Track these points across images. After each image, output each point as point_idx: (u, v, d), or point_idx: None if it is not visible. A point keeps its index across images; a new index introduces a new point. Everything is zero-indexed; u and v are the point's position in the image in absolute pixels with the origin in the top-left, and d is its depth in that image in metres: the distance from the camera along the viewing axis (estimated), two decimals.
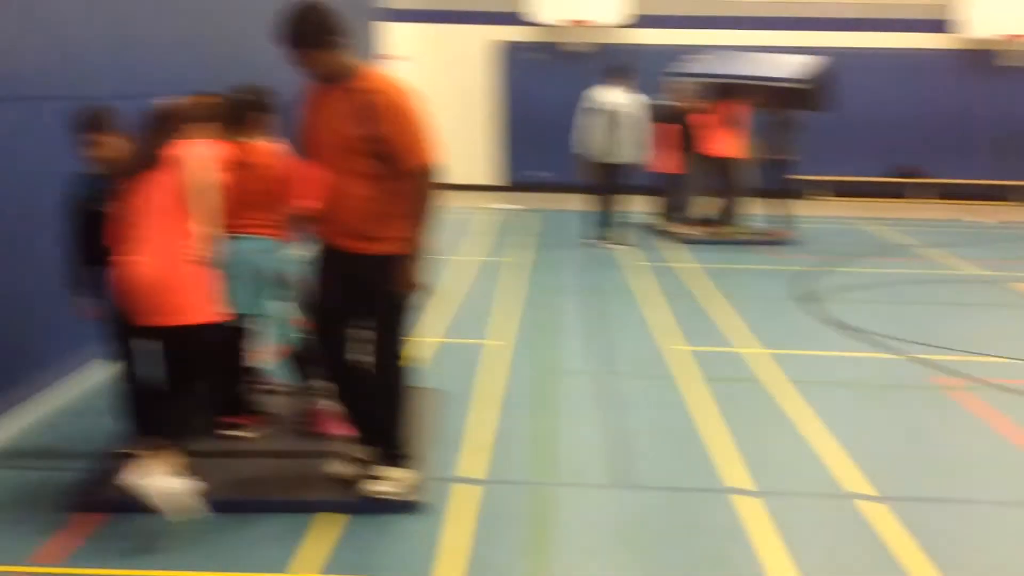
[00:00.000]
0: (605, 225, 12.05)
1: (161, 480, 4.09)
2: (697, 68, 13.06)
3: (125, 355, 4.73)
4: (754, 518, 4.49)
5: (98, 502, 4.39)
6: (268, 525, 4.28)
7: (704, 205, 13.19)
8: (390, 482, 4.43)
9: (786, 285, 9.93)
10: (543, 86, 18.00)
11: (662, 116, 13.14)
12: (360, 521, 4.33)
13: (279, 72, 4.87)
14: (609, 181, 11.91)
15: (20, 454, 5.07)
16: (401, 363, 4.44)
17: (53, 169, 5.12)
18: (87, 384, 5.98)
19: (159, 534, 4.15)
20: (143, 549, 4.06)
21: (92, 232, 4.60)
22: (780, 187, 12.98)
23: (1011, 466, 5.32)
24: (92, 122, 4.60)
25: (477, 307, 8.76)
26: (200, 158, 4.24)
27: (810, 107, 12.56)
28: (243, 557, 4.00)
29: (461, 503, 4.57)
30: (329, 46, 4.10)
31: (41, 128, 5.68)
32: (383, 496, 4.38)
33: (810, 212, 16.15)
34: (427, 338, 7.45)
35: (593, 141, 11.75)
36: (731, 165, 12.55)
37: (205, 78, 5.59)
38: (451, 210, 14.87)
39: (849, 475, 5.02)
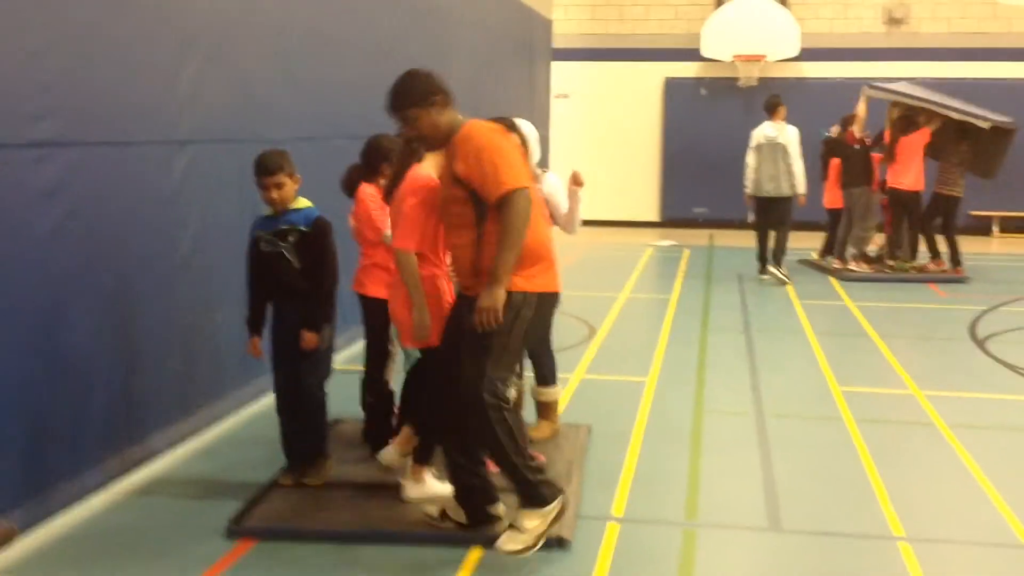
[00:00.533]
0: (767, 259, 11.86)
1: (433, 486, 4.55)
2: (901, 88, 12.63)
3: (288, 385, 4.95)
4: (912, 566, 4.29)
5: (253, 529, 4.53)
6: (410, 555, 4.34)
7: (873, 241, 12.79)
8: (521, 536, 4.14)
9: (955, 324, 9.50)
10: (704, 121, 17.86)
11: (832, 151, 12.89)
12: (498, 556, 4.33)
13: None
14: (772, 215, 11.77)
15: (180, 482, 5.29)
16: (484, 399, 4.06)
17: (241, 209, 5.38)
18: (249, 415, 6.22)
19: (306, 559, 4.27)
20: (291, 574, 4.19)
21: (268, 272, 4.85)
22: (949, 223, 12.49)
23: None
24: (272, 166, 4.78)
25: (635, 344, 8.71)
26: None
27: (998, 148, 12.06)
28: None
29: (604, 541, 4.52)
30: (426, 105, 4.12)
31: (229, 169, 6.00)
32: (513, 553, 4.12)
33: (984, 249, 15.50)
34: (584, 374, 7.47)
35: (756, 175, 11.71)
36: (904, 200, 12.11)
37: (375, 122, 5.75)
38: (611, 247, 14.97)
39: (1015, 522, 4.74)
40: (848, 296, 10.97)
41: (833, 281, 12.03)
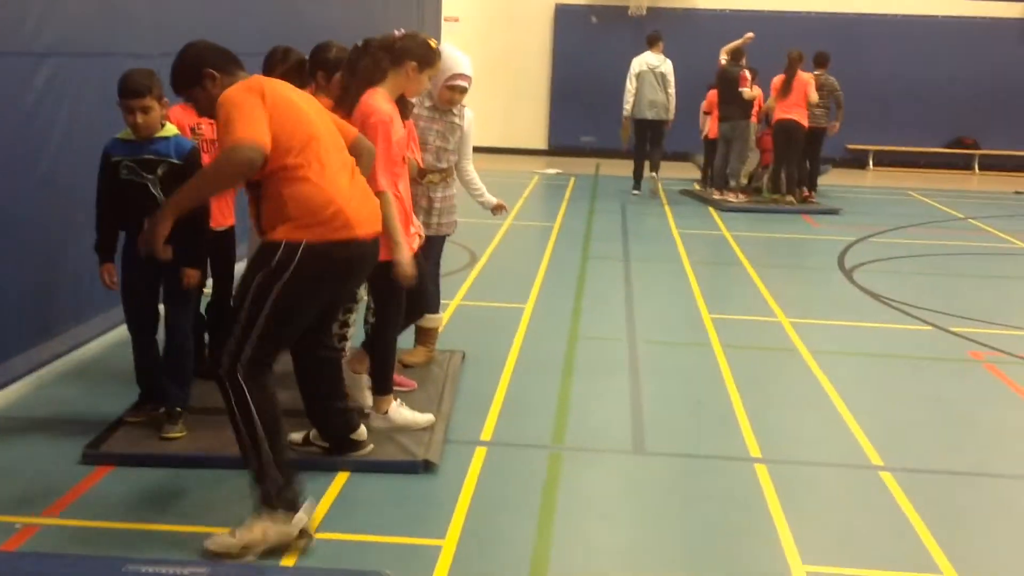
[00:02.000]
0: (641, 178, 13.30)
1: (400, 413, 4.70)
2: None
3: (146, 321, 4.77)
4: (768, 486, 4.44)
5: (110, 455, 4.45)
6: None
7: (750, 172, 13.07)
8: (229, 540, 3.64)
9: (825, 255, 9.80)
10: (594, 50, 17.84)
11: (714, 82, 13.09)
12: (364, 480, 4.34)
13: (326, 29, 4.84)
14: (652, 137, 13.12)
15: (40, 406, 5.14)
16: (228, 373, 3.69)
17: (107, 127, 5.14)
18: (113, 340, 6.07)
19: (162, 487, 4.22)
20: (146, 501, 4.13)
21: (126, 201, 4.58)
22: (823, 156, 12.88)
23: None
24: (138, 87, 4.47)
25: (514, 271, 8.75)
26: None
27: None
28: (240, 512, 3.99)
29: (471, 465, 4.57)
30: (200, 83, 3.85)
31: (94, 85, 5.73)
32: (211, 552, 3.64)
33: (858, 182, 15.96)
34: (462, 301, 7.49)
35: (636, 100, 12.92)
36: (796, 132, 12.32)
37: (254, 37, 5.56)
38: (497, 174, 14.94)
39: (869, 446, 4.94)
40: (725, 226, 11.19)
41: (712, 211, 12.26)
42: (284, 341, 3.86)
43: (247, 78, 3.86)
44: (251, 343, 3.68)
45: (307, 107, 3.89)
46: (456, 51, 5.30)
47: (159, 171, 4.56)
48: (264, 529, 3.64)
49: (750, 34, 12.68)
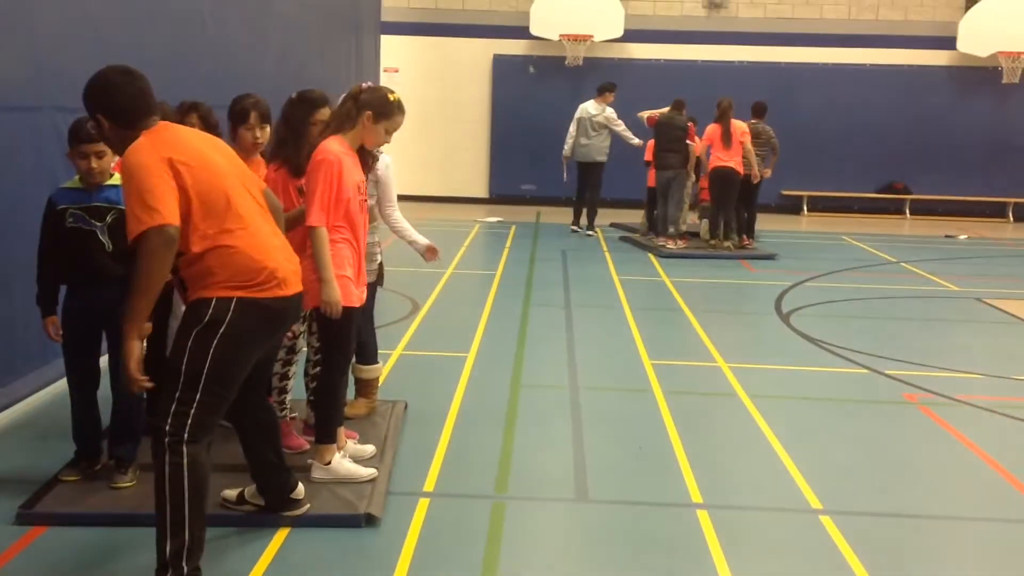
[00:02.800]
0: (579, 217, 14.41)
1: (343, 465, 4.72)
2: None
3: (87, 376, 4.70)
4: (710, 532, 4.47)
5: (44, 515, 4.35)
6: (226, 538, 4.25)
7: (689, 219, 13.26)
8: None
9: (762, 300, 9.94)
10: (532, 99, 18.04)
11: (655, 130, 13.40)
12: (305, 535, 4.30)
13: (261, 81, 4.88)
14: (583, 178, 14.24)
15: None
16: (163, 435, 3.62)
17: (37, 181, 5.07)
18: (47, 397, 5.96)
19: (95, 548, 4.13)
20: (80, 563, 4.04)
21: (71, 249, 4.53)
22: (757, 203, 13.15)
23: (973, 481, 5.30)
24: (91, 134, 4.41)
25: (456, 320, 8.76)
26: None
27: None
28: None
29: (413, 517, 4.54)
30: (94, 115, 3.76)
31: (25, 138, 5.68)
32: None
33: (793, 227, 16.25)
34: (404, 350, 7.46)
35: (574, 142, 14.17)
36: (732, 179, 12.53)
37: (185, 93, 5.56)
38: (438, 222, 14.97)
39: (809, 490, 5.00)
40: (665, 272, 11.32)
41: (652, 257, 12.40)
42: (226, 399, 3.77)
43: (153, 128, 3.69)
44: (195, 408, 3.61)
45: (218, 157, 3.80)
46: None
47: (108, 218, 4.56)
48: None
49: (665, 109, 13.02)
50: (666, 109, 13.01)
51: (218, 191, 3.68)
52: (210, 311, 3.64)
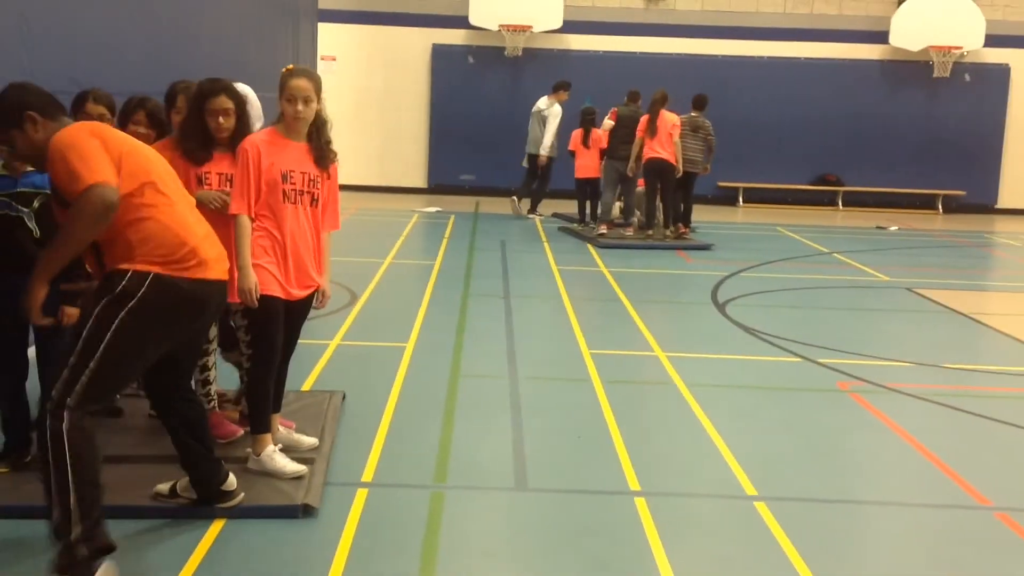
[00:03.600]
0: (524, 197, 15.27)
1: (273, 459, 4.64)
2: None
3: (16, 367, 4.62)
4: (647, 519, 4.50)
5: None
6: (159, 531, 4.19)
7: (622, 209, 13.36)
8: None
9: (699, 290, 10.04)
10: (472, 89, 18.01)
11: (587, 121, 13.63)
12: (241, 527, 4.26)
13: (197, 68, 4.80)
14: (532, 168, 15.10)
15: None
16: (51, 418, 3.54)
17: None
18: None
19: (28, 541, 4.05)
20: (14, 555, 3.96)
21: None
22: (693, 194, 13.28)
23: (904, 467, 5.41)
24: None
25: (395, 310, 8.72)
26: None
27: None
28: (126, 564, 3.88)
29: (352, 507, 4.52)
30: (16, 125, 3.69)
31: None
32: None
33: (729, 218, 16.44)
34: (342, 341, 7.41)
35: (529, 137, 15.04)
36: (661, 170, 12.63)
37: (116, 79, 5.47)
38: (376, 212, 14.91)
39: (744, 476, 5.07)
40: (603, 262, 11.38)
41: (590, 248, 12.46)
42: (119, 380, 3.72)
43: (72, 124, 3.75)
44: (85, 376, 3.54)
45: (144, 148, 3.87)
46: (248, 90, 5.11)
47: (35, 203, 4.49)
48: None
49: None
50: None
51: (143, 168, 3.71)
52: (123, 283, 3.62)
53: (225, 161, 4.83)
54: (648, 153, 12.59)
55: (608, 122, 13.20)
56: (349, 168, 16.61)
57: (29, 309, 3.61)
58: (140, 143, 3.90)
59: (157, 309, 3.66)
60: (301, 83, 4.60)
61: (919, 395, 6.65)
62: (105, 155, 3.58)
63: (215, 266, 3.84)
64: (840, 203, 18.40)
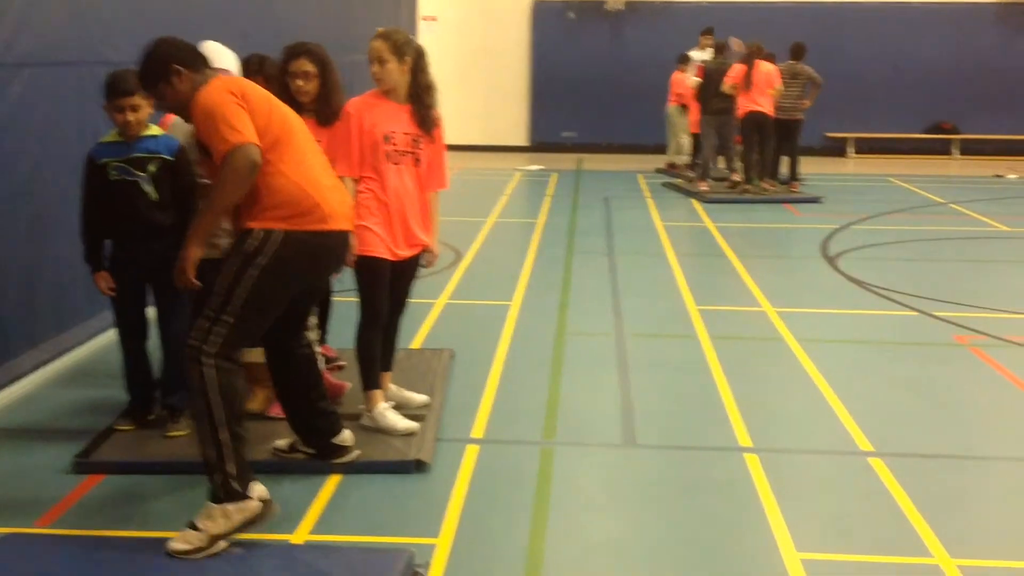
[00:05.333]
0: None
1: (385, 416, 4.72)
2: None
3: (137, 327, 4.77)
4: (759, 476, 4.46)
5: (101, 463, 4.43)
6: (279, 485, 4.29)
7: (732, 163, 13.10)
8: (194, 534, 3.60)
9: (808, 243, 9.83)
10: (572, 46, 17.85)
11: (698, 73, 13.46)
12: (356, 482, 4.34)
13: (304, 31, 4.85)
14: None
15: (28, 416, 5.13)
16: (195, 354, 3.68)
17: (82, 135, 5.07)
18: (96, 348, 6.05)
19: (153, 496, 4.20)
20: (139, 511, 4.11)
21: (116, 202, 4.56)
22: (798, 145, 12.97)
23: (1022, 422, 5.26)
24: (128, 86, 4.44)
25: (500, 269, 8.76)
26: None
27: None
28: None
29: (463, 463, 4.57)
30: (165, 79, 3.80)
31: (69, 93, 5.69)
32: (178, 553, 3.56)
33: (838, 169, 16.02)
34: (449, 299, 7.48)
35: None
36: (759, 123, 12.41)
37: (239, 44, 5.54)
38: (479, 172, 14.94)
39: (859, 433, 4.97)
40: (709, 217, 11.22)
41: (695, 203, 12.29)
42: (256, 330, 3.85)
43: (216, 76, 3.86)
44: (224, 327, 3.68)
45: (279, 105, 3.95)
46: (216, 48, 4.80)
47: (150, 168, 4.59)
48: (225, 513, 3.61)
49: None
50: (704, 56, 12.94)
51: (278, 125, 3.82)
52: (255, 242, 3.74)
53: (309, 125, 4.86)
54: (746, 106, 12.32)
55: (694, 79, 12.99)
56: (452, 127, 16.54)
57: (183, 271, 3.74)
58: (275, 99, 3.97)
59: (288, 264, 3.78)
60: (375, 44, 4.65)
61: None
62: (246, 114, 3.70)
63: (339, 218, 3.93)
64: (956, 151, 17.77)
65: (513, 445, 4.83)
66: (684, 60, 14.42)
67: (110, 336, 5.53)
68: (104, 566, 3.53)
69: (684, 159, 14.66)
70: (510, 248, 9.78)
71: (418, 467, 4.45)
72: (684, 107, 14.34)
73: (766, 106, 12.29)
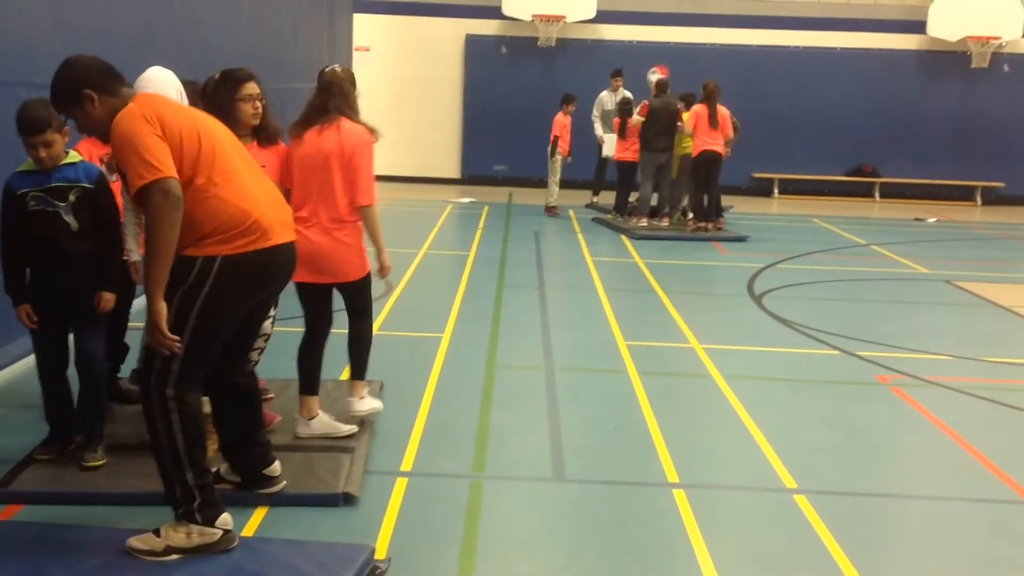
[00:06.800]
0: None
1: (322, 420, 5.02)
2: None
3: (58, 356, 4.67)
4: (686, 511, 4.50)
5: (18, 493, 4.33)
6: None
7: (658, 199, 13.29)
8: (154, 539, 3.79)
9: (735, 281, 9.99)
10: (505, 80, 17.98)
11: (622, 111, 13.60)
12: (283, 514, 4.30)
13: (236, 58, 4.83)
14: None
15: None
16: (156, 390, 3.72)
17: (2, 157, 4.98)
18: (7, 378, 5.90)
19: (77, 524, 4.11)
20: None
21: (34, 233, 4.46)
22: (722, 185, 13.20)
23: (945, 461, 5.37)
24: (39, 123, 4.34)
25: (431, 301, 8.74)
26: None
27: None
28: None
29: (391, 496, 4.54)
30: (76, 103, 3.71)
31: None
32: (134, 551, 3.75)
33: (764, 209, 16.33)
34: (379, 330, 7.43)
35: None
36: (711, 161, 12.54)
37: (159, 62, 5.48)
38: (410, 203, 14.93)
39: (783, 469, 5.04)
40: (637, 253, 11.35)
41: (624, 239, 12.43)
42: (208, 357, 3.82)
43: (130, 96, 3.76)
44: (176, 362, 3.67)
45: (205, 119, 3.89)
46: (151, 74, 4.73)
47: (71, 197, 4.49)
48: (188, 531, 3.75)
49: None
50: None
51: (205, 144, 3.73)
52: (195, 270, 3.69)
53: (251, 148, 4.84)
54: (703, 145, 12.44)
55: (638, 117, 13.13)
56: (384, 158, 16.60)
57: (157, 329, 3.62)
58: (201, 116, 3.89)
59: (232, 287, 3.74)
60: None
61: (959, 388, 6.59)
62: (163, 144, 3.60)
63: (280, 230, 3.87)
64: (877, 195, 18.23)
65: (443, 478, 4.82)
66: (568, 100, 14.16)
67: (28, 362, 5.40)
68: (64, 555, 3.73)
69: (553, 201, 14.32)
70: (441, 280, 9.78)
71: (346, 500, 4.41)
72: (553, 149, 14.08)
73: (719, 146, 12.48)
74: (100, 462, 4.55)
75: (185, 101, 4.63)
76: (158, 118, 3.64)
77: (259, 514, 4.26)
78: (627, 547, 4.16)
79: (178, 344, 3.65)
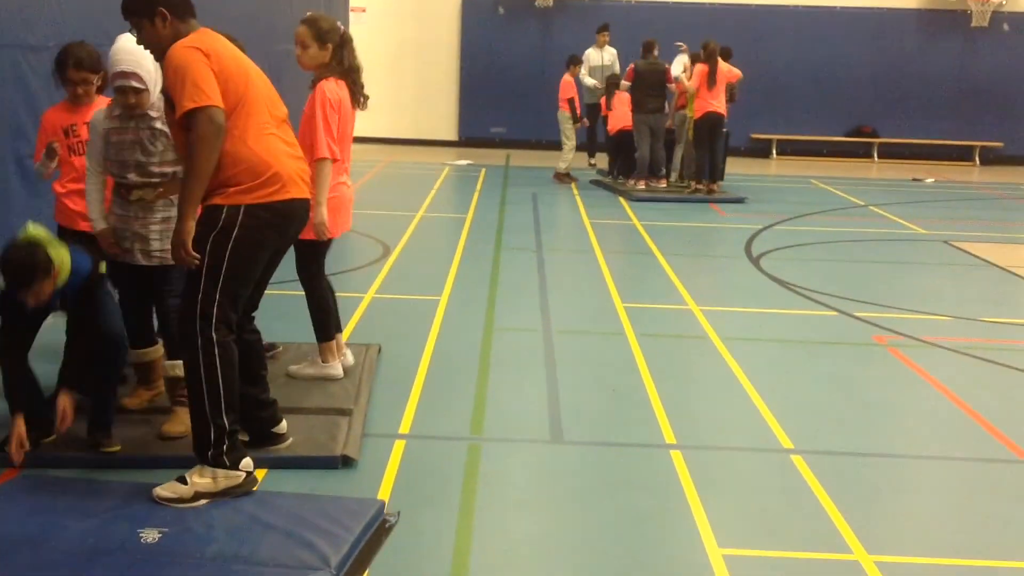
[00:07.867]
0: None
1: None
2: None
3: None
4: (683, 472, 4.52)
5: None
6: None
7: (656, 162, 13.25)
8: (180, 487, 3.92)
9: (732, 243, 9.98)
10: (502, 41, 17.87)
11: (609, 85, 13.55)
12: (282, 477, 4.31)
13: (230, 19, 4.76)
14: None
15: None
16: (195, 329, 3.90)
17: None
18: None
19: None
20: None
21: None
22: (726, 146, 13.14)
23: (941, 421, 5.39)
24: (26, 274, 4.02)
25: (428, 264, 8.74)
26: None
27: None
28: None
29: (390, 459, 4.56)
30: (147, 16, 3.87)
31: None
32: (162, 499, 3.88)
33: (762, 171, 16.29)
34: (376, 294, 7.44)
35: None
36: (715, 123, 12.48)
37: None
38: (408, 165, 14.89)
39: (780, 430, 5.06)
40: (635, 215, 11.33)
41: (622, 201, 12.40)
42: (243, 294, 4.03)
43: (197, 30, 3.94)
44: (218, 299, 3.88)
45: (251, 68, 4.04)
46: (124, 44, 4.42)
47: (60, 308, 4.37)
48: (215, 475, 3.91)
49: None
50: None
51: (247, 92, 3.92)
52: (223, 218, 3.87)
53: None
54: (705, 106, 12.35)
55: (625, 83, 13.01)
56: (381, 120, 16.58)
57: (182, 245, 3.80)
58: (249, 65, 4.04)
59: (257, 232, 3.94)
60: (299, 29, 5.07)
61: (956, 348, 6.60)
62: (212, 76, 3.79)
63: (299, 184, 4.08)
64: (875, 155, 18.19)
65: (440, 441, 4.83)
66: (575, 62, 13.88)
67: None
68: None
69: (563, 167, 13.91)
70: (438, 243, 9.76)
71: (345, 462, 4.43)
72: (573, 113, 13.68)
73: (722, 107, 12.40)
74: (117, 447, 4.43)
75: (159, 74, 4.51)
76: (215, 54, 3.84)
77: (257, 476, 4.26)
78: (625, 508, 4.18)
79: (197, 260, 3.83)
